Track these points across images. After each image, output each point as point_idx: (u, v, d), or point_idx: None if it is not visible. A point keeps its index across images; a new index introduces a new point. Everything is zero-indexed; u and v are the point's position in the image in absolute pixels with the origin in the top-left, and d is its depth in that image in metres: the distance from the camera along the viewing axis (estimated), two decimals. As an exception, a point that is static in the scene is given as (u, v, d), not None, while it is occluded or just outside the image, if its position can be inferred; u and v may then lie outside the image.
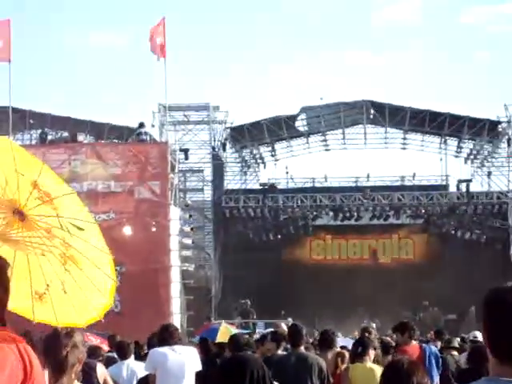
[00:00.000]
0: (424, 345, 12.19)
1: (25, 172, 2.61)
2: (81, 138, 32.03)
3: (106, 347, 13.27)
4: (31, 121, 35.46)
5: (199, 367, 9.48)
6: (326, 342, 10.75)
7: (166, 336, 9.45)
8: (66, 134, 35.49)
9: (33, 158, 2.67)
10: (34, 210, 2.67)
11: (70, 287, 2.77)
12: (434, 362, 11.22)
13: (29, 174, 2.62)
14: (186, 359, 9.29)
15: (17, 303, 2.78)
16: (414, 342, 11.58)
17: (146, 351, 11.11)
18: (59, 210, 2.67)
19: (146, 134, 30.75)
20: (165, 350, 9.30)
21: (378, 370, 9.11)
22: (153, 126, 33.72)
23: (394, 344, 12.26)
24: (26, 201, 2.63)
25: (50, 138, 35.05)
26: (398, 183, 39.17)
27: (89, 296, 2.82)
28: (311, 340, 17.54)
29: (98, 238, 2.80)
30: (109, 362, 10.74)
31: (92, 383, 8.31)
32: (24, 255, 2.70)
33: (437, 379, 11.03)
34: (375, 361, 10.19)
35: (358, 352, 9.63)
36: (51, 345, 4.92)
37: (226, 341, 11.69)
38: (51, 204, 2.65)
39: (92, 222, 2.77)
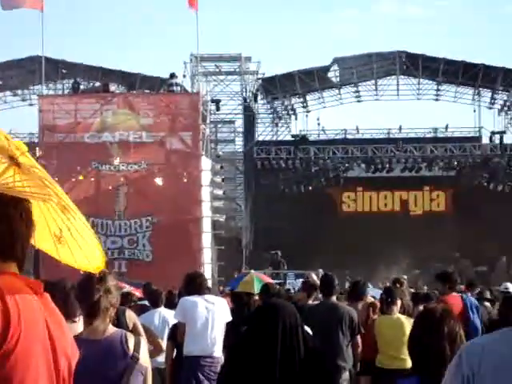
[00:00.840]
0: (464, 295, 12.06)
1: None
2: (113, 88, 32.00)
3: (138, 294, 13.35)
4: (64, 70, 35.48)
5: (229, 318, 9.47)
6: (356, 292, 10.81)
7: (195, 286, 9.49)
8: (98, 83, 35.50)
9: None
10: (25, 160, 2.67)
11: (76, 234, 2.79)
12: (476, 312, 11.07)
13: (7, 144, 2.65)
14: (216, 308, 9.32)
15: (43, 243, 2.79)
16: (454, 294, 11.46)
17: (177, 300, 11.17)
18: (40, 171, 2.68)
19: (177, 84, 30.64)
20: (195, 298, 9.34)
21: (406, 321, 9.19)
22: (184, 76, 33.60)
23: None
24: (16, 150, 2.64)
25: (82, 87, 35.07)
26: (431, 135, 38.87)
27: (90, 245, 2.84)
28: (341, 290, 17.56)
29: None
30: (141, 310, 10.84)
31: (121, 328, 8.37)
32: (34, 200, 2.71)
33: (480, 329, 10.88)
34: (405, 312, 10.23)
35: (386, 301, 9.71)
36: (84, 289, 4.96)
37: (247, 290, 11.67)
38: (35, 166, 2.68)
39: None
